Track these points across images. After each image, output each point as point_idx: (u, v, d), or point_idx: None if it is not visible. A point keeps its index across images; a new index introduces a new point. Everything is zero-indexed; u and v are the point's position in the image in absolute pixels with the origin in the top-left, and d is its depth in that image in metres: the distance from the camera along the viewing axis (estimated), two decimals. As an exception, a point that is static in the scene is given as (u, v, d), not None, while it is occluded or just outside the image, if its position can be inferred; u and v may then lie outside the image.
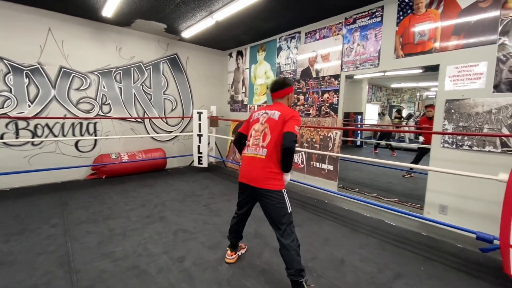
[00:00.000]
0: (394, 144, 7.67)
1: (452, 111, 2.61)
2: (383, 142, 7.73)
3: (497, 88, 2.33)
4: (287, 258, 1.62)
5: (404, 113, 9.39)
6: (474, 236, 2.04)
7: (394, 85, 10.05)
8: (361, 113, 8.90)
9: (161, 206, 3.18)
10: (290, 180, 3.92)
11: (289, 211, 1.68)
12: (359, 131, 8.60)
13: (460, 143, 2.56)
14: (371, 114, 10.18)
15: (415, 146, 6.43)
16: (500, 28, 2.29)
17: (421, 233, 2.64)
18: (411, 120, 8.66)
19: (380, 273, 1.95)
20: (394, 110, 8.44)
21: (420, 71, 3.03)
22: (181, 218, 2.83)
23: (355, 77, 3.57)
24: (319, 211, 3.20)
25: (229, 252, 2.04)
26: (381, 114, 9.49)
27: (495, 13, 2.32)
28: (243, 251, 2.15)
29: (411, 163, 4.61)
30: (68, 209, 3.01)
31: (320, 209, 3.29)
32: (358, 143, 8.84)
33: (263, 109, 1.84)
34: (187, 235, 2.46)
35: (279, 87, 1.86)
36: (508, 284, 1.82)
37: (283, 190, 1.70)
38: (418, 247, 2.37)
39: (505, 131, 2.29)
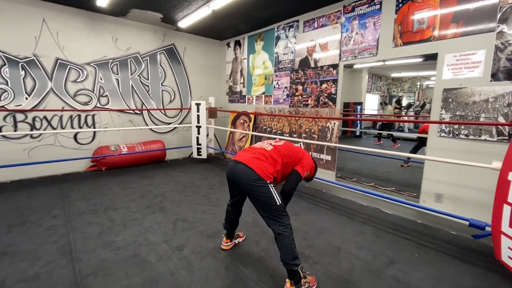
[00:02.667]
0: (394, 134, 7.68)
1: (450, 100, 2.61)
2: (384, 132, 7.73)
3: (494, 76, 2.32)
4: (282, 248, 1.60)
5: (404, 103, 9.36)
6: (467, 223, 2.08)
7: (394, 75, 9.96)
8: (360, 103, 8.86)
9: (160, 196, 3.23)
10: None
11: (278, 203, 1.62)
12: (358, 122, 8.58)
13: (457, 132, 2.57)
14: (371, 104, 10.15)
15: (414, 135, 6.43)
16: (499, 16, 2.26)
17: (417, 221, 2.69)
18: (411, 109, 8.63)
19: (375, 260, 1.99)
20: (394, 100, 8.40)
21: (420, 60, 3.00)
22: (180, 208, 2.87)
23: (354, 66, 3.54)
24: (317, 201, 3.25)
25: (224, 239, 2.09)
26: (383, 104, 9.43)
27: (494, 0, 2.28)
28: (240, 239, 2.20)
29: (410, 152, 4.64)
30: (69, 200, 3.05)
31: (318, 198, 3.33)
32: (358, 133, 8.84)
33: None
34: (186, 224, 2.51)
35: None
36: (499, 269, 1.87)
37: (268, 182, 1.64)
38: (413, 235, 2.41)
39: (501, 119, 2.30)
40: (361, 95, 8.78)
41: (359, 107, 8.37)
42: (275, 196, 1.62)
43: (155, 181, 3.84)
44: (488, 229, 1.90)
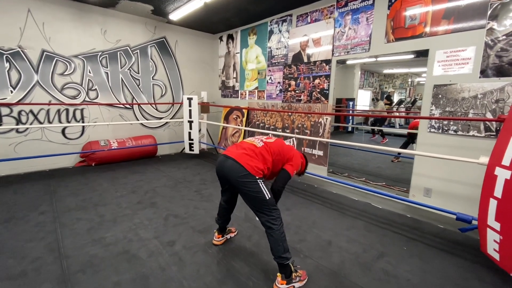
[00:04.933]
0: (384, 130, 7.77)
1: (440, 96, 2.64)
2: (375, 128, 7.82)
3: (483, 73, 2.35)
4: (272, 242, 1.61)
5: (396, 99, 9.45)
6: (455, 217, 2.13)
7: (386, 71, 10.04)
8: (353, 99, 8.92)
9: (152, 192, 3.19)
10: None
11: (267, 198, 1.62)
12: (350, 117, 8.64)
13: (446, 128, 2.61)
14: (363, 100, 10.22)
15: (404, 131, 6.53)
16: (489, 12, 2.28)
17: (406, 215, 2.74)
18: (402, 106, 8.73)
19: (365, 253, 2.03)
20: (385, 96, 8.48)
21: (411, 56, 3.02)
22: (172, 204, 2.85)
23: (347, 62, 3.54)
24: (309, 196, 3.27)
25: (216, 234, 2.08)
26: (375, 100, 9.49)
27: (485, -4, 2.30)
28: (232, 235, 2.20)
29: (400, 147, 4.71)
30: (57, 196, 2.98)
31: (310, 193, 3.35)
32: (350, 129, 8.91)
33: None
34: (177, 220, 2.49)
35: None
36: (484, 262, 1.93)
37: (257, 178, 1.64)
38: (402, 229, 2.46)
39: (489, 115, 2.34)
40: (354, 91, 8.85)
41: (351, 103, 8.43)
42: (264, 191, 1.63)
43: (146, 177, 3.79)
44: (474, 222, 1.94)
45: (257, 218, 1.72)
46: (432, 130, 2.71)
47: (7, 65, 3.58)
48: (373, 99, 9.68)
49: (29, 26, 3.69)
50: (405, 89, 10.34)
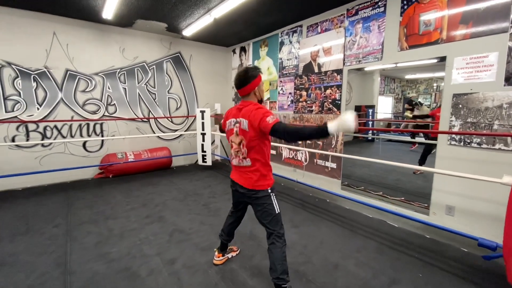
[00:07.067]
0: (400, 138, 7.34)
1: (460, 106, 2.44)
2: (399, 137, 7.41)
3: (508, 81, 2.14)
4: (272, 260, 1.61)
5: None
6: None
7: (408, 76, 9.61)
8: (373, 106, 8.58)
9: (161, 205, 3.23)
10: (289, 179, 3.87)
11: (277, 212, 1.66)
12: (370, 125, 8.29)
13: (468, 141, 2.39)
14: (384, 107, 9.80)
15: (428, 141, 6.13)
16: (512, 15, 2.09)
17: (425, 236, 2.52)
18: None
19: (374, 279, 1.87)
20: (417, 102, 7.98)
21: (435, 61, 2.84)
22: (179, 218, 2.86)
23: (365, 69, 3.40)
24: (319, 211, 3.13)
25: (216, 253, 2.04)
26: (418, 104, 8.25)
27: (507, -2, 2.11)
28: (234, 254, 2.14)
29: (419, 160, 4.45)
30: (73, 208, 3.11)
31: (321, 209, 3.21)
32: (370, 138, 8.55)
33: (233, 116, 1.71)
34: (182, 235, 2.48)
35: (242, 83, 1.63)
36: (514, 294, 1.70)
37: (269, 190, 1.66)
38: (419, 251, 2.25)
39: (517, 127, 2.11)
40: (373, 97, 8.52)
41: (370, 110, 8.10)
42: (274, 205, 1.66)
43: (159, 189, 3.86)
44: (499, 249, 1.73)
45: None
46: (453, 142, 2.49)
47: (34, 84, 3.87)
48: (416, 104, 8.34)
49: (55, 48, 3.98)
50: (430, 94, 9.80)
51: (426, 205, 2.85)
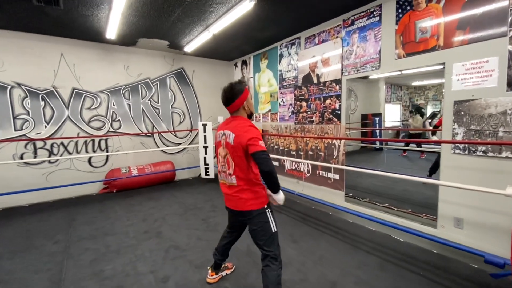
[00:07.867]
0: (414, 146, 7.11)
1: (462, 113, 2.34)
2: (405, 148, 7.19)
3: (511, 85, 2.05)
4: (266, 284, 1.54)
5: (428, 112, 8.71)
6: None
7: (415, 83, 9.43)
8: (379, 114, 8.42)
9: (161, 220, 3.21)
10: (289, 191, 3.78)
11: (273, 231, 1.59)
12: (378, 134, 8.12)
13: (473, 149, 2.28)
14: (392, 115, 9.60)
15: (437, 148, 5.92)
16: (510, 19, 2.02)
17: (432, 251, 2.37)
18: (436, 119, 8.01)
19: (375, 300, 1.76)
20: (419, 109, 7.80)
21: (436, 67, 2.78)
22: (176, 234, 2.82)
23: (370, 77, 3.35)
24: (321, 225, 3.02)
25: (210, 271, 1.98)
26: (412, 113, 8.27)
27: (503, 2, 2.05)
28: (228, 271, 2.08)
29: (430, 169, 4.27)
30: (74, 224, 3.14)
31: (322, 222, 3.11)
32: (377, 146, 8.35)
33: (222, 128, 1.69)
34: (178, 252, 2.44)
35: (229, 100, 1.61)
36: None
37: (265, 207, 1.60)
38: (424, 268, 2.12)
39: (523, 134, 2.00)
40: (380, 105, 8.38)
41: (377, 118, 7.95)
42: (271, 223, 1.60)
43: (160, 203, 3.86)
44: (508, 267, 1.60)
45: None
46: (457, 151, 2.39)
47: (42, 103, 4.03)
48: (410, 112, 8.70)
49: (62, 68, 4.15)
50: (439, 101, 9.56)
51: (434, 217, 2.70)
